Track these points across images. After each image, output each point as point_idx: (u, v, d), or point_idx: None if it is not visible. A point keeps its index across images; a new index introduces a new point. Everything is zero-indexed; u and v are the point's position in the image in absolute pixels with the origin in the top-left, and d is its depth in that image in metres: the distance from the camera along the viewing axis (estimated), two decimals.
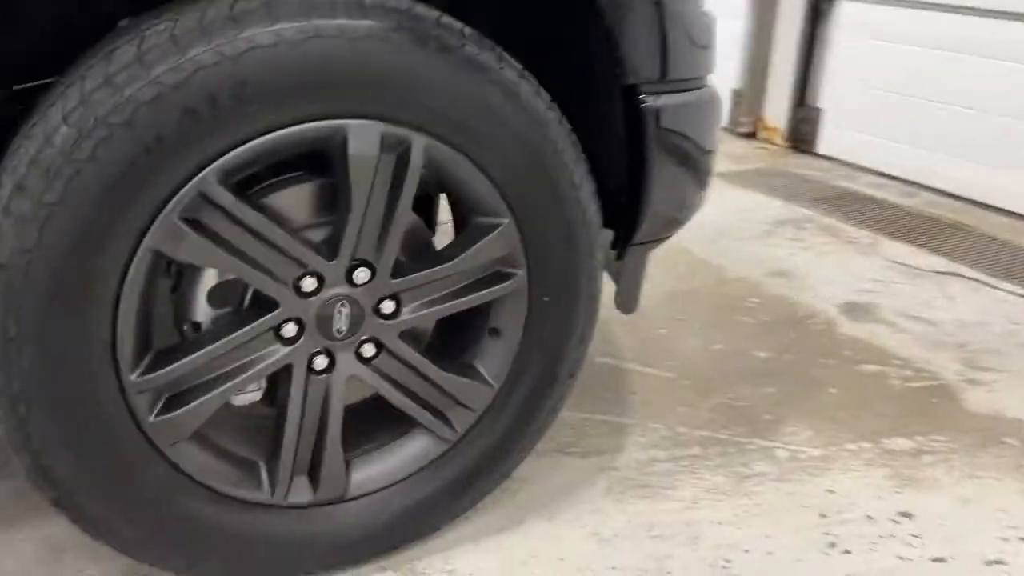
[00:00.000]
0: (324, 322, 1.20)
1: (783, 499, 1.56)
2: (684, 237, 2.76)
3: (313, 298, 1.18)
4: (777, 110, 4.14)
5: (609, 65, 1.29)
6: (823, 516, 1.53)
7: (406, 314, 1.26)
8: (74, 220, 0.98)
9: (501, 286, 1.30)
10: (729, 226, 3.01)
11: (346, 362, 1.24)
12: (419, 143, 1.15)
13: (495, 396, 1.36)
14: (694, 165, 1.47)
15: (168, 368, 1.11)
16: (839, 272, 2.63)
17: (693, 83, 1.40)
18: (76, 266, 1.00)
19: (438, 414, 1.34)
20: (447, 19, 1.14)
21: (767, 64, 4.12)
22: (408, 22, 1.10)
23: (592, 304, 1.40)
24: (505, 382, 1.36)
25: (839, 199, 3.35)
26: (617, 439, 1.72)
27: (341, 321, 1.21)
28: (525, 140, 1.22)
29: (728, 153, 3.94)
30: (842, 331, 2.24)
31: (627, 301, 1.53)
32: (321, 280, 1.17)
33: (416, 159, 1.15)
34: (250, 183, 1.16)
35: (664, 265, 2.61)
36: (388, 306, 1.24)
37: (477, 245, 1.25)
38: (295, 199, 1.18)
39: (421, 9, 1.12)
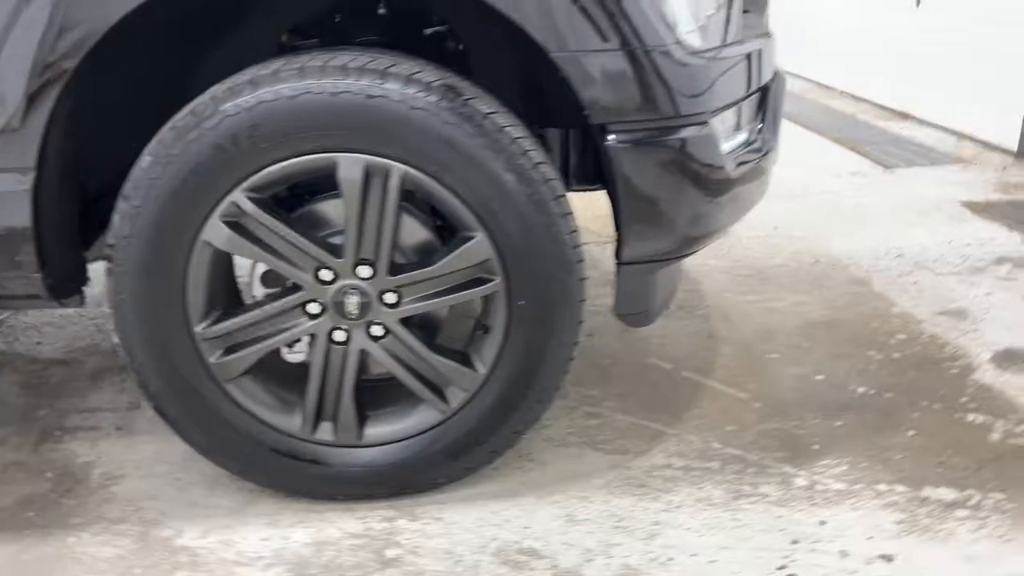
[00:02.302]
0: (339, 305, 1.58)
1: (766, 521, 1.61)
2: (872, 267, 2.71)
3: (330, 286, 1.57)
4: None
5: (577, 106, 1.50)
6: (794, 543, 1.55)
7: (406, 304, 1.59)
8: (151, 218, 1.49)
9: (481, 289, 1.57)
10: (934, 258, 2.81)
11: (359, 338, 1.61)
12: (397, 171, 1.48)
13: (483, 382, 1.64)
14: (683, 194, 1.58)
15: (222, 324, 1.58)
16: None
17: (677, 120, 1.53)
18: (155, 249, 1.51)
19: (436, 390, 1.65)
20: (418, 75, 1.46)
21: None
22: (383, 80, 1.44)
23: (570, 310, 1.60)
24: (491, 371, 1.63)
25: None
26: (648, 443, 1.87)
27: (352, 305, 1.58)
28: (490, 168, 1.48)
29: (1001, 182, 3.58)
30: (978, 378, 2.08)
31: (629, 315, 1.69)
32: (336, 273, 1.56)
33: (394, 183, 1.49)
34: (295, 200, 1.60)
35: (829, 293, 2.58)
36: (391, 297, 1.58)
37: (454, 253, 1.55)
38: (315, 211, 1.58)
39: (396, 69, 1.45)
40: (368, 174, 1.49)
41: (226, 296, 1.63)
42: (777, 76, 1.97)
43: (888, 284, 2.64)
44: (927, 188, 3.54)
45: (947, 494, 1.66)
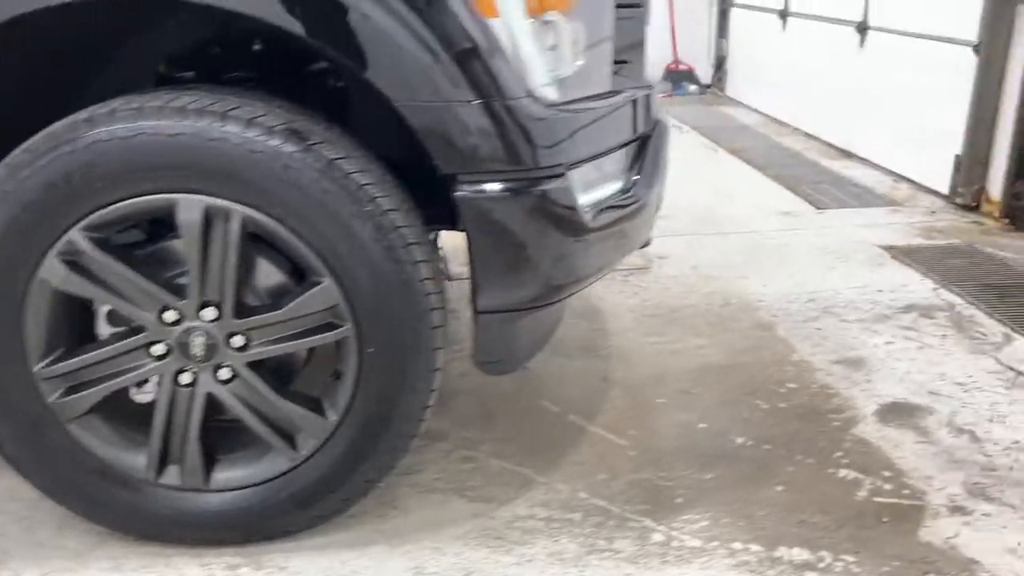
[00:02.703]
0: (184, 347, 1.55)
1: None
2: (782, 310, 2.71)
3: (175, 327, 1.54)
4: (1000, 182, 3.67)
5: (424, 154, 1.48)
6: None
7: (254, 348, 1.57)
8: None
9: (330, 334, 1.55)
10: (843, 305, 2.81)
11: (206, 381, 1.58)
12: (238, 214, 1.46)
13: (334, 429, 1.61)
14: (537, 246, 1.57)
15: (63, 363, 1.54)
16: (923, 369, 2.37)
17: (530, 172, 1.52)
18: None
19: (285, 436, 1.62)
20: (262, 118, 1.44)
21: (994, 128, 3.67)
22: (222, 122, 1.42)
23: (425, 358, 1.57)
24: (343, 418, 1.60)
25: (1017, 289, 2.93)
26: (516, 491, 1.84)
27: (198, 347, 1.55)
28: (335, 213, 1.46)
29: (926, 226, 3.60)
30: (858, 432, 2.07)
31: (488, 363, 1.67)
32: (181, 314, 1.53)
33: (235, 226, 1.47)
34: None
35: (732, 336, 2.58)
36: (238, 340, 1.56)
37: (300, 298, 1.52)
38: (163, 250, 1.55)
39: (238, 112, 1.43)
40: (208, 216, 1.46)
41: (70, 335, 1.59)
42: (659, 126, 1.96)
43: (792, 329, 2.64)
44: (853, 231, 3.56)
45: (800, 555, 1.65)
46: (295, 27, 1.40)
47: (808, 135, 5.28)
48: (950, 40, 3.85)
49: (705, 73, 6.99)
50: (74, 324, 1.60)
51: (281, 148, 1.43)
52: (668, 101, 6.53)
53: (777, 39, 5.78)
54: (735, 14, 6.62)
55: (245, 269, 1.53)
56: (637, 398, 2.23)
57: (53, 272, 1.48)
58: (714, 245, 3.40)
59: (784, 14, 5.66)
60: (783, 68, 5.68)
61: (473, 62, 1.44)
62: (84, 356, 1.55)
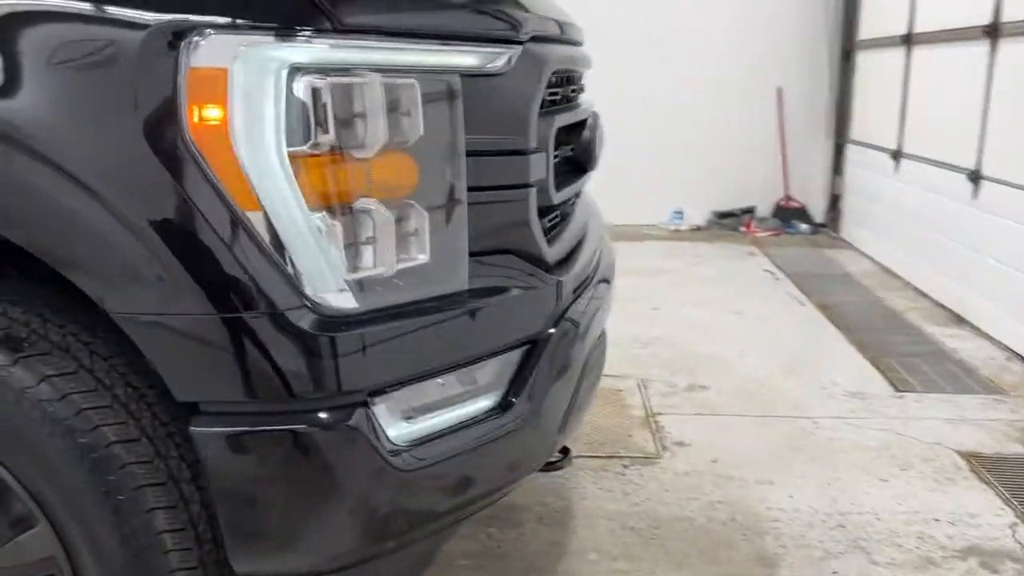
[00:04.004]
0: None
1: None
2: (797, 538, 2.17)
3: None
4: None
5: None
6: None
7: None
8: None
9: None
10: (880, 538, 2.21)
11: None
12: None
13: None
14: (312, 501, 1.19)
15: None
16: None
17: (307, 401, 1.16)
18: None
19: None
20: None
21: None
22: None
23: None
24: None
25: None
26: None
27: None
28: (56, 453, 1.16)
29: None
30: None
31: None
32: None
33: None
34: None
35: (719, 573, 2.04)
36: None
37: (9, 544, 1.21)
38: None
39: None
40: None
41: None
42: (565, 328, 1.54)
43: (800, 570, 2.07)
44: (932, 427, 2.91)
45: None
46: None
47: (918, 291, 4.61)
48: None
49: (819, 211, 6.42)
50: None
51: None
52: (775, 240, 6.03)
53: (889, 181, 5.19)
54: (851, 150, 6.07)
55: None
56: None
57: None
58: (749, 432, 2.86)
59: (897, 154, 5.08)
60: (895, 213, 5.07)
61: (214, 266, 1.12)
62: None
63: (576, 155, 1.83)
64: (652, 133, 6.15)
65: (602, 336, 1.86)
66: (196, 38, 1.10)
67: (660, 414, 2.99)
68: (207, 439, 1.16)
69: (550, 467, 1.74)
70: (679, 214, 6.50)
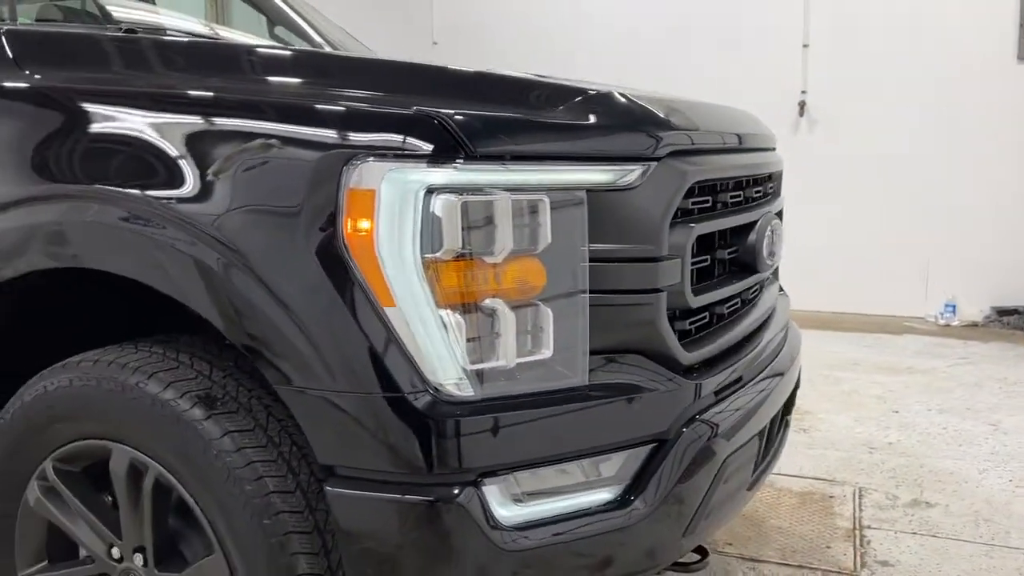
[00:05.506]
0: None
1: None
2: None
3: (118, 564, 1.60)
4: None
5: None
6: None
7: None
8: None
9: None
10: None
11: None
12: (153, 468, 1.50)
13: None
14: (426, 566, 1.33)
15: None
16: None
17: (425, 477, 1.32)
18: None
19: None
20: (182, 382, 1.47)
21: None
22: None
23: None
24: None
25: None
26: None
27: None
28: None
29: None
30: None
31: None
32: (122, 554, 1.59)
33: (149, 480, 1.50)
34: None
35: None
36: None
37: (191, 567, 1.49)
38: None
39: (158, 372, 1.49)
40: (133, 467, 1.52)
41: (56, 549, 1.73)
42: (699, 430, 1.56)
43: None
44: None
45: None
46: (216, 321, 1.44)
47: None
48: None
49: None
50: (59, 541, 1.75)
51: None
52: None
53: None
54: None
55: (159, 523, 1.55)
56: None
57: (31, 495, 1.65)
58: (970, 560, 2.57)
59: None
60: None
61: (354, 350, 1.33)
62: (57, 571, 1.68)
63: (740, 257, 1.85)
64: (921, 216, 5.73)
65: (765, 433, 1.82)
66: (356, 162, 1.33)
67: (870, 527, 2.79)
68: (337, 499, 1.36)
69: (683, 568, 1.73)
70: (951, 307, 5.94)
